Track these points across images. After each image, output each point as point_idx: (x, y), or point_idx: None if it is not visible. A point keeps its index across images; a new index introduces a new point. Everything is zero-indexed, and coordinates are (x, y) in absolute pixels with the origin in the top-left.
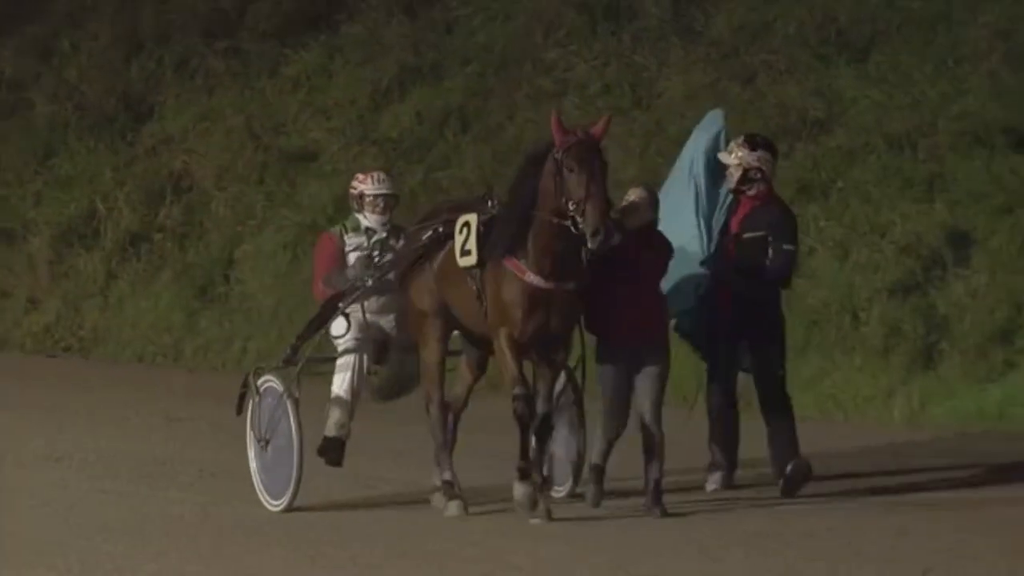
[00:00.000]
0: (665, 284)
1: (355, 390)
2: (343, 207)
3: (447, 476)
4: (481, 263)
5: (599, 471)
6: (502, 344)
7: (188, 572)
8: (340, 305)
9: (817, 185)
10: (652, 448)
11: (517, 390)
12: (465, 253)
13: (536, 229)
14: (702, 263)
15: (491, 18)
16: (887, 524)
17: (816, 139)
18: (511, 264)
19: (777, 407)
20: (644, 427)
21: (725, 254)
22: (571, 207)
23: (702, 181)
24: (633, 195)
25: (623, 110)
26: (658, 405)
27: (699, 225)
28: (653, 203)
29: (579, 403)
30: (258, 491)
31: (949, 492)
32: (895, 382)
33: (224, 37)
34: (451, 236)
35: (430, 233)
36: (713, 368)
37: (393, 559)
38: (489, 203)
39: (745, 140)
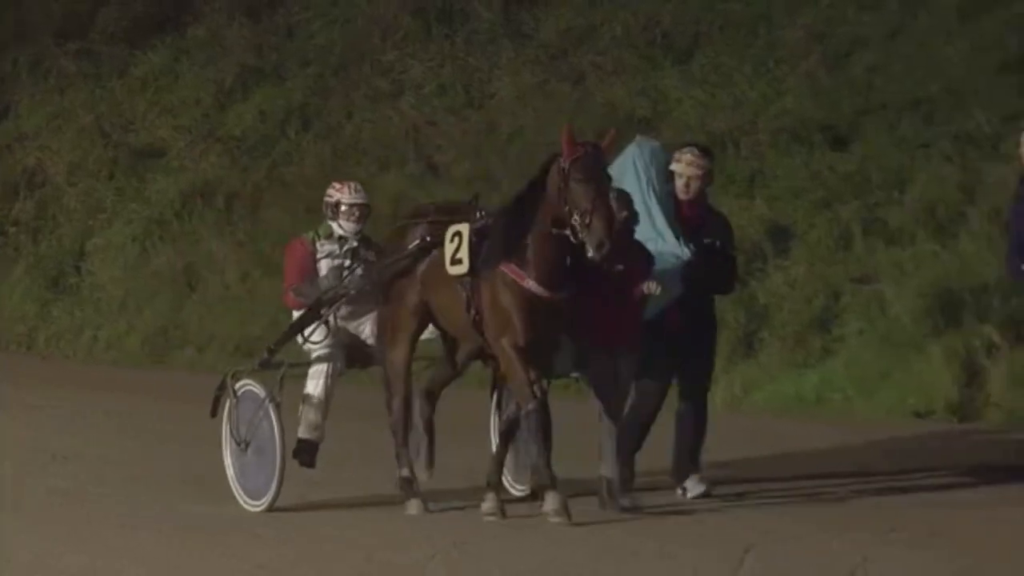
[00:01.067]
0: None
1: (329, 393)
2: (189, 202)
3: (405, 473)
4: (473, 272)
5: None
6: (509, 353)
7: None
8: (323, 312)
9: None
10: (616, 447)
11: (531, 405)
12: (456, 262)
13: (536, 238)
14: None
15: (331, 21)
16: (709, 506)
17: None
18: (510, 271)
19: (697, 417)
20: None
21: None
22: (575, 218)
23: (656, 188)
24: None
25: (456, 110)
26: (624, 407)
27: (672, 234)
28: (626, 207)
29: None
30: (235, 492)
31: (773, 480)
32: (718, 370)
33: (76, 39)
34: (438, 245)
35: (417, 242)
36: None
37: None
38: (479, 213)
39: (694, 149)
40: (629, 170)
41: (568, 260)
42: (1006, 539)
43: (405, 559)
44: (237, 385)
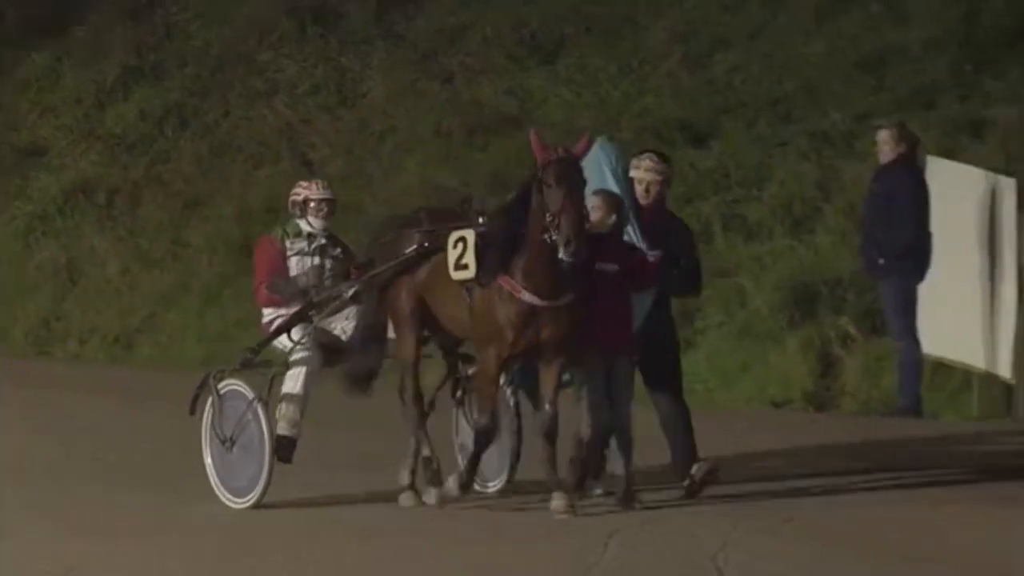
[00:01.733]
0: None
1: (307, 391)
2: (71, 198)
3: (426, 453)
4: (476, 278)
5: (582, 464)
6: (490, 364)
7: None
8: (311, 314)
9: (510, 178)
10: (624, 449)
11: (483, 421)
12: (461, 267)
13: (529, 247)
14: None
15: (208, 23)
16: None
17: (510, 135)
18: (506, 283)
19: (678, 415)
20: (617, 430)
21: None
22: (549, 220)
23: (623, 191)
24: (593, 202)
25: (330, 108)
26: (628, 409)
27: (638, 238)
28: (614, 208)
29: (517, 407)
30: (216, 489)
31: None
32: None
33: None
34: (439, 250)
35: (415, 247)
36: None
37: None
38: (480, 219)
39: (652, 155)
40: (597, 170)
41: (565, 265)
42: (856, 526)
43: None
44: (221, 385)
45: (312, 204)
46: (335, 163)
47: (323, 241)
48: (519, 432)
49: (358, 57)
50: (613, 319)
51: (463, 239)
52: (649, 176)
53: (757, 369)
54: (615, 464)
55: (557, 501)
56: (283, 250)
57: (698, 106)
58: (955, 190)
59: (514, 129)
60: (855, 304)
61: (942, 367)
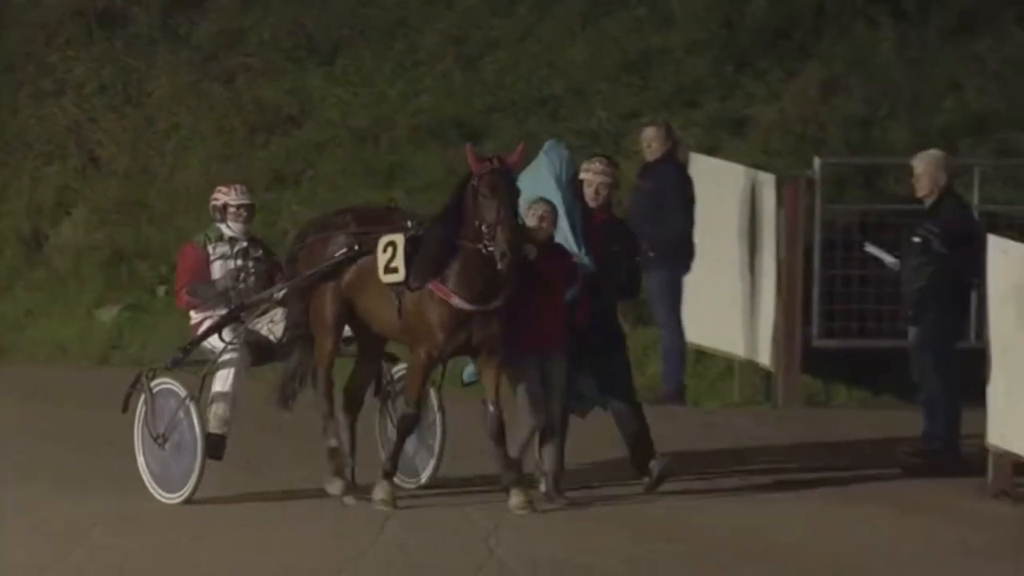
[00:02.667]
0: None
1: (237, 390)
2: None
3: (333, 444)
4: (406, 282)
5: (517, 464)
6: (421, 361)
7: None
8: (242, 315)
9: (290, 175)
10: (553, 442)
11: (411, 409)
12: (391, 270)
13: (459, 254)
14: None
15: None
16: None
17: (289, 133)
18: (437, 289)
19: (633, 413)
20: (549, 424)
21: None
22: (484, 230)
23: (566, 196)
24: (538, 211)
25: (116, 107)
26: (561, 403)
27: (576, 242)
28: (554, 218)
29: (442, 405)
30: (148, 485)
31: None
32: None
33: None
34: (366, 253)
35: (344, 251)
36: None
37: None
38: (409, 223)
39: (602, 159)
40: (542, 175)
41: (494, 272)
42: (619, 506)
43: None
44: (153, 383)
45: (232, 209)
46: (121, 160)
47: (244, 244)
48: (444, 429)
49: (143, 58)
50: (547, 316)
51: (393, 243)
52: (599, 179)
53: None
54: (544, 458)
55: (515, 498)
56: (205, 256)
57: (471, 105)
58: (717, 186)
59: (293, 127)
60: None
61: (704, 355)
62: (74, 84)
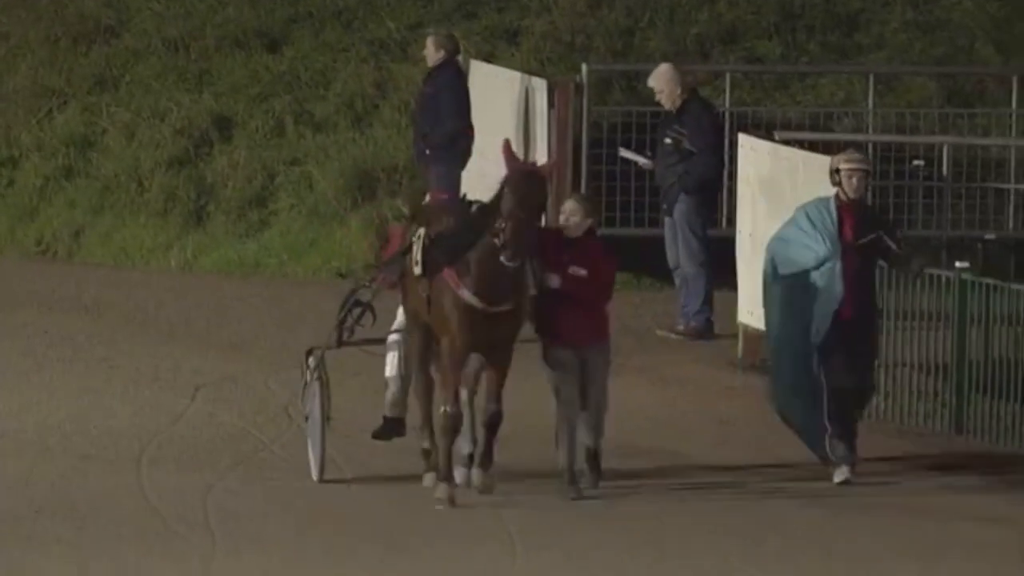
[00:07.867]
0: None
1: (405, 371)
2: None
3: (426, 445)
4: (425, 274)
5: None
6: (447, 353)
7: None
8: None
9: (110, 80)
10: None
11: (449, 408)
12: (416, 263)
13: (480, 249)
14: None
15: None
16: None
17: (109, 42)
18: (449, 277)
19: None
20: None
21: None
22: (500, 225)
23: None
24: (569, 206)
25: None
26: (602, 404)
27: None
28: (590, 212)
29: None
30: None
31: None
32: (172, 238)
33: None
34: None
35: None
36: None
37: None
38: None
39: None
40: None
41: (510, 273)
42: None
43: None
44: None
45: None
46: None
47: None
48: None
49: None
50: (586, 318)
51: (420, 236)
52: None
53: (323, 245)
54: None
55: (482, 480)
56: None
57: (273, 16)
58: (495, 91)
59: (113, 37)
60: (408, 187)
61: None
62: None
